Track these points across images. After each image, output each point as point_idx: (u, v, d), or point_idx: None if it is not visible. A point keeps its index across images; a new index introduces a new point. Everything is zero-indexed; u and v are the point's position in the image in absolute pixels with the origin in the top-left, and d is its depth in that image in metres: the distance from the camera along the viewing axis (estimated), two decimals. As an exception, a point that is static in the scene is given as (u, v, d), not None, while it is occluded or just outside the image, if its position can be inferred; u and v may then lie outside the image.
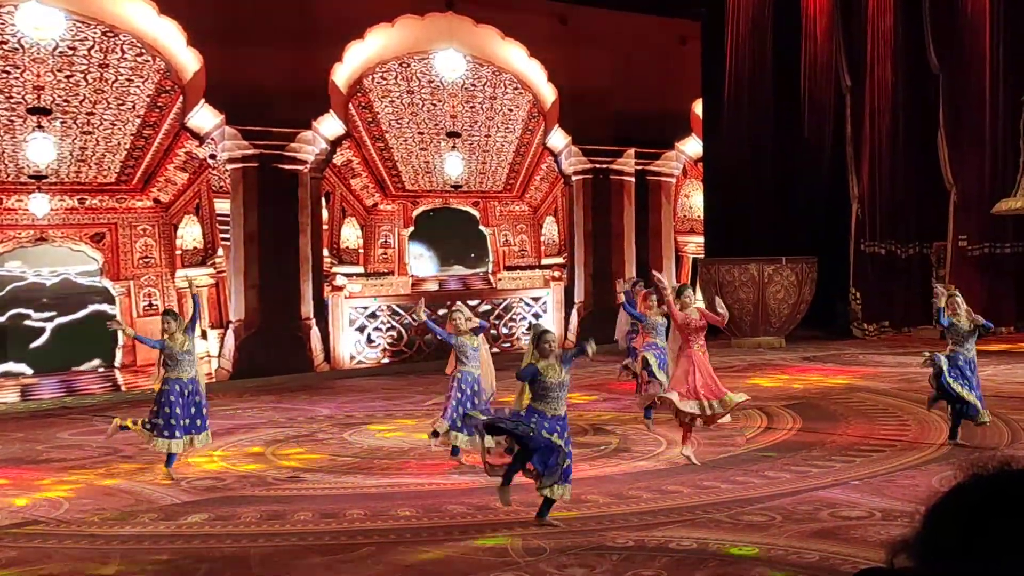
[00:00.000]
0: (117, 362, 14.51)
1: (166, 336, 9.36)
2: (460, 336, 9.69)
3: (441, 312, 17.53)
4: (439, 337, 10.47)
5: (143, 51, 14.63)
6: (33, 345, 13.87)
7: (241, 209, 15.45)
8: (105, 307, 14.39)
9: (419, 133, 17.45)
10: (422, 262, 17.86)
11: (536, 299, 18.76)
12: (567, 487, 7.49)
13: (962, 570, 1.13)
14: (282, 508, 8.08)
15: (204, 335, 15.25)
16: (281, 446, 10.77)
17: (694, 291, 20.14)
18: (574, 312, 18.93)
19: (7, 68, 13.60)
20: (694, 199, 20.95)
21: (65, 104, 14.05)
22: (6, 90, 13.61)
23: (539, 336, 7.72)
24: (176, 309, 14.78)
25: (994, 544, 1.13)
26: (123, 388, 14.40)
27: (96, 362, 14.40)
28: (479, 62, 17.95)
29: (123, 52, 14.46)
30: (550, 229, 19.15)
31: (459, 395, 9.52)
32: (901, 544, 1.20)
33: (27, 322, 13.83)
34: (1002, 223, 18.92)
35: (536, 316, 18.61)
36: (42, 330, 13.93)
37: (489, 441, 7.82)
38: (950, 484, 1.21)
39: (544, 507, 7.51)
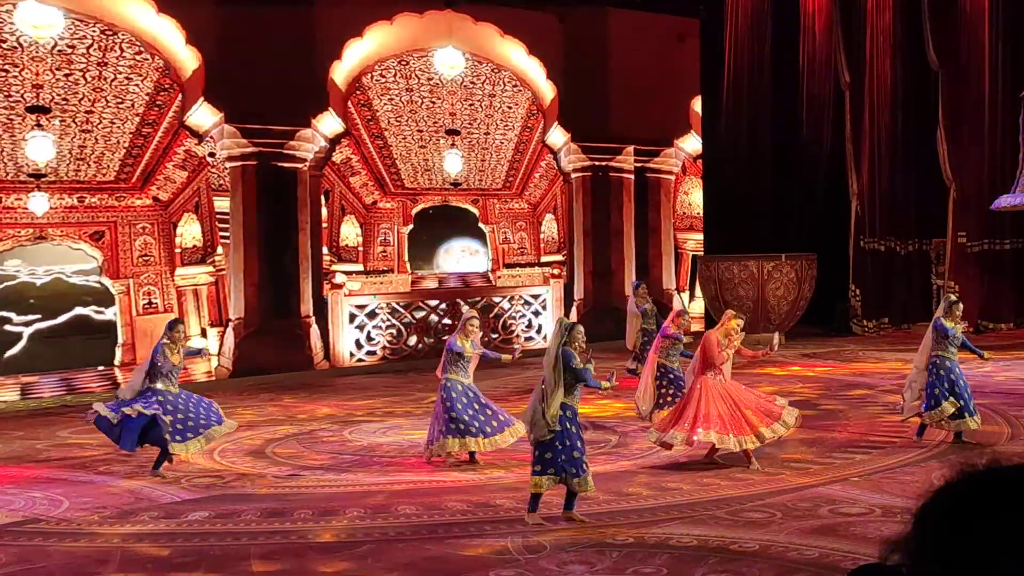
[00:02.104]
0: (117, 360, 14.51)
1: (167, 344, 9.41)
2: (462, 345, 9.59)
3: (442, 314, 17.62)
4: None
5: (142, 49, 14.63)
6: (8, 353, 13.63)
7: (240, 207, 15.45)
8: (91, 311, 14.31)
9: (418, 131, 17.45)
10: (477, 258, 17.93)
11: (536, 296, 18.76)
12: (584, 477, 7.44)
13: (953, 573, 1.13)
14: (282, 506, 8.09)
15: (204, 333, 15.27)
16: (280, 444, 10.78)
17: (693, 288, 20.36)
18: (573, 309, 18.91)
19: (6, 67, 13.60)
20: (693, 196, 20.94)
21: (64, 102, 14.04)
22: (5, 88, 13.61)
23: (571, 328, 7.60)
24: (175, 307, 14.83)
25: (983, 546, 1.13)
26: (123, 386, 14.37)
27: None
28: (478, 60, 17.94)
29: (122, 50, 14.46)
30: (549, 227, 19.14)
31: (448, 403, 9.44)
32: (895, 542, 1.21)
33: (7, 327, 13.61)
34: (1001, 219, 18.92)
35: (535, 314, 18.61)
36: (20, 335, 13.72)
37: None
38: (939, 484, 1.22)
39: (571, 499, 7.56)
